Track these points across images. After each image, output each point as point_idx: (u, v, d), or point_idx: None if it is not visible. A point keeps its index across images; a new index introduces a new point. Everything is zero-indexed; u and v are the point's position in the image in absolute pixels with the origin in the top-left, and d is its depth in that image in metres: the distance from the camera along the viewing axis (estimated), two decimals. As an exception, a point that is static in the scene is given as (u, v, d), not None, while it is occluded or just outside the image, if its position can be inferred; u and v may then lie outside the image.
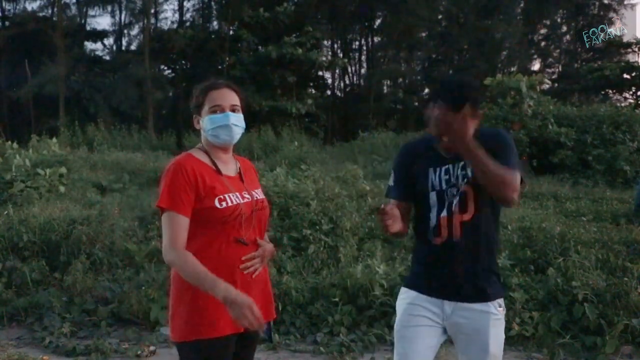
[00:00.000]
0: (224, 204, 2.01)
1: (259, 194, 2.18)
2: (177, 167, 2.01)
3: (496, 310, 2.18)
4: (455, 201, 2.16)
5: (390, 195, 2.32)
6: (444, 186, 2.19)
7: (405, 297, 2.28)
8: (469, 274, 2.17)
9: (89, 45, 30.13)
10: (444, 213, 2.18)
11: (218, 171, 2.09)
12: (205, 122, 2.10)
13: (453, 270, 2.18)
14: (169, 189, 1.98)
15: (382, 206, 2.05)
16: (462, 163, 2.16)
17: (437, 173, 2.20)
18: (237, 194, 2.07)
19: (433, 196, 2.20)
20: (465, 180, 2.16)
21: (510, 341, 4.13)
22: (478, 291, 2.17)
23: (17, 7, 28.90)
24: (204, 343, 1.97)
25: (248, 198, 2.10)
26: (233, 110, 2.11)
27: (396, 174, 2.31)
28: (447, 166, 2.19)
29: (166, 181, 2.00)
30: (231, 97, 2.12)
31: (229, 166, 2.16)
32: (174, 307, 2.04)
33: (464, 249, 2.16)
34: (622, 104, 20.84)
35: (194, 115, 2.16)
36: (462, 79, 2.32)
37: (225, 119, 2.08)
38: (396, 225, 2.06)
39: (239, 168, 2.20)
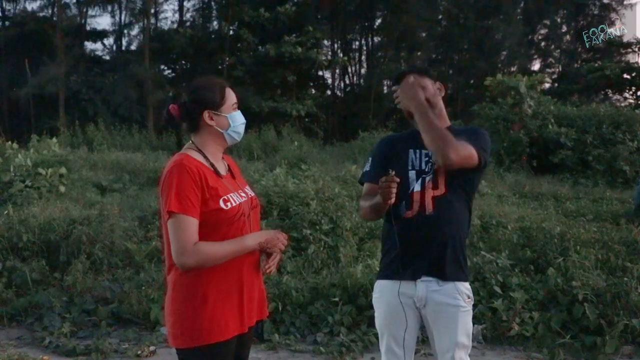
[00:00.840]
0: (229, 204, 1.98)
1: (250, 191, 2.18)
2: (181, 167, 1.94)
3: (465, 299, 2.28)
4: (428, 178, 2.28)
5: (364, 179, 2.45)
6: (423, 166, 2.31)
7: (380, 294, 2.39)
8: (439, 248, 2.26)
9: (89, 45, 30.17)
10: (417, 188, 2.29)
11: (217, 172, 2.05)
12: (231, 119, 2.08)
13: (422, 244, 2.26)
14: (177, 191, 1.91)
15: (392, 172, 2.15)
16: None
17: (417, 154, 2.33)
18: (236, 193, 2.06)
19: (412, 174, 2.31)
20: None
21: (510, 341, 4.14)
22: (444, 269, 2.26)
23: (17, 7, 28.92)
24: (210, 348, 1.94)
25: (244, 196, 2.09)
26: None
27: (374, 160, 2.43)
28: (427, 150, 2.29)
29: (172, 183, 1.92)
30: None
31: (222, 166, 2.13)
32: (177, 313, 1.98)
33: (434, 223, 2.25)
34: (622, 104, 20.87)
35: (203, 112, 2.05)
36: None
37: (243, 117, 2.14)
38: (392, 200, 2.18)
39: (227, 166, 2.18)
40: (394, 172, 2.15)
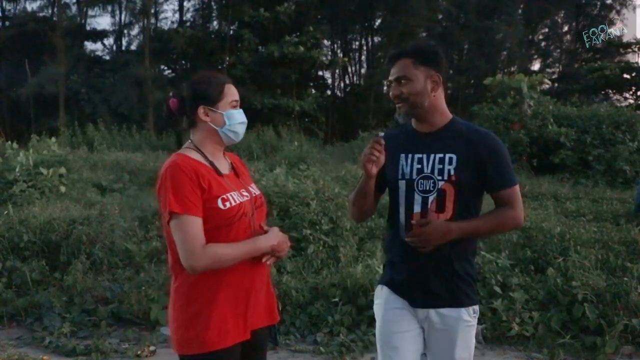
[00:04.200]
0: (227, 204, 1.90)
1: (255, 190, 2.10)
2: (175, 167, 1.87)
3: (469, 316, 2.06)
4: (431, 198, 1.99)
5: None
6: (414, 175, 2.02)
7: (381, 301, 2.17)
8: (442, 277, 2.02)
9: (89, 45, 30.18)
10: (418, 209, 2.01)
11: (217, 170, 1.97)
12: (227, 116, 1.98)
13: (427, 273, 2.03)
14: (174, 192, 1.83)
15: (380, 134, 1.98)
16: (439, 155, 2.00)
17: (409, 160, 2.04)
18: (237, 192, 1.98)
19: (402, 185, 2.03)
20: (445, 177, 1.99)
21: (510, 341, 4.14)
22: (451, 296, 2.04)
23: (17, 7, 28.91)
24: (210, 356, 1.91)
25: (247, 195, 2.01)
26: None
27: None
28: (420, 155, 2.02)
29: (168, 185, 1.85)
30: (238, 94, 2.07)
31: (223, 164, 2.05)
32: (179, 320, 1.94)
33: (439, 250, 1.98)
34: (622, 104, 20.86)
35: (199, 107, 1.98)
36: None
37: (243, 116, 2.04)
38: (374, 168, 1.97)
39: (231, 164, 2.10)
40: (382, 134, 1.97)
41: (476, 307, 2.10)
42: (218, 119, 1.98)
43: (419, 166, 2.01)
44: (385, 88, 29.59)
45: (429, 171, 2.00)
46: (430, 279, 2.04)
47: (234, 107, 2.02)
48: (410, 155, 2.04)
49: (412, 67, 1.99)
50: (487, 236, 2.06)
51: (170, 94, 2.19)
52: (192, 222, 1.84)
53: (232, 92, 2.02)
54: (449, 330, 2.05)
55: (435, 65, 2.02)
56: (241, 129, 2.04)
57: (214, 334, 1.89)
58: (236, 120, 2.01)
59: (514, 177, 2.05)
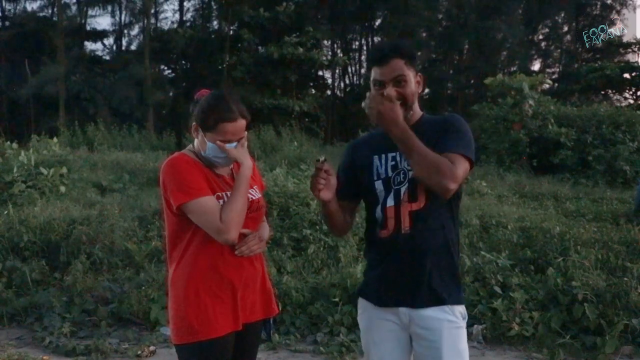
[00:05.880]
0: (221, 202, 1.96)
1: (256, 194, 2.11)
2: (174, 160, 1.97)
3: (454, 317, 1.93)
4: (403, 189, 1.93)
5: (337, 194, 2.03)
6: (389, 173, 1.97)
7: (362, 311, 2.09)
8: (421, 273, 1.91)
9: (89, 45, 30.21)
10: (391, 202, 1.95)
11: (213, 171, 2.04)
12: (209, 147, 1.98)
13: (402, 269, 1.93)
14: (179, 184, 1.91)
15: (321, 159, 1.93)
16: None
17: (383, 160, 1.99)
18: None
19: (379, 185, 1.97)
20: None
21: (510, 341, 4.14)
22: (431, 294, 1.92)
23: (17, 7, 28.99)
24: (203, 345, 1.96)
25: None
26: (237, 141, 2.01)
27: (340, 175, 2.07)
28: (393, 153, 1.97)
29: (171, 180, 1.93)
30: (241, 130, 2.00)
31: (222, 168, 2.09)
32: (173, 310, 2.02)
33: (413, 243, 1.91)
34: (622, 104, 20.88)
35: (194, 123, 2.03)
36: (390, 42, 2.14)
37: (225, 153, 1.99)
38: (327, 193, 1.91)
39: (231, 169, 2.13)
40: (323, 158, 1.94)
41: (462, 308, 1.97)
42: (202, 143, 2.01)
43: (393, 163, 1.98)
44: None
45: (402, 165, 1.95)
46: (408, 275, 1.94)
47: (221, 144, 1.97)
48: (383, 155, 2.00)
49: (405, 68, 1.93)
50: (420, 165, 1.80)
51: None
52: (204, 203, 1.91)
53: (224, 132, 1.96)
54: (433, 334, 1.91)
55: (416, 65, 1.99)
56: (221, 162, 2.03)
57: (203, 323, 1.95)
58: (216, 155, 1.99)
59: (467, 150, 1.88)
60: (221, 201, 1.97)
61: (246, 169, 1.99)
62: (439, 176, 1.78)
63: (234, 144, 1.99)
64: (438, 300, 1.92)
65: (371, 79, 1.99)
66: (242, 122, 1.99)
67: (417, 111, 2.03)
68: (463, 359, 1.93)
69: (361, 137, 2.25)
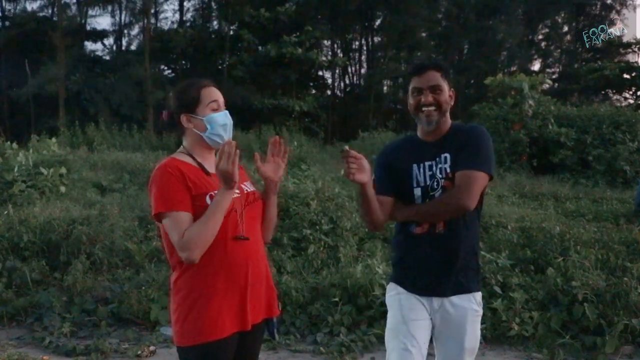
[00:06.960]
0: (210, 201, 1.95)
1: (248, 187, 2.12)
2: (163, 170, 1.96)
3: (477, 305, 2.25)
4: (437, 194, 2.21)
5: (375, 190, 2.28)
6: (428, 181, 2.23)
7: (396, 292, 2.31)
8: (450, 267, 2.20)
9: (89, 45, 30.20)
10: None
11: (205, 171, 2.04)
12: (207, 121, 2.01)
13: (433, 263, 2.21)
14: (161, 193, 1.93)
15: (345, 148, 2.10)
16: (444, 156, 2.22)
17: (421, 169, 2.25)
18: None
19: (418, 192, 2.24)
20: (444, 175, 2.21)
21: (510, 341, 4.14)
22: (459, 285, 2.22)
23: (17, 7, 28.98)
24: (206, 347, 1.95)
25: (238, 193, 2.04)
26: (225, 107, 2.08)
27: (377, 173, 2.32)
28: (430, 162, 2.24)
29: (152, 188, 1.95)
30: (221, 95, 2.07)
31: (212, 164, 2.05)
32: (177, 312, 2.00)
33: (446, 242, 2.19)
34: (622, 104, 20.89)
35: (181, 115, 2.05)
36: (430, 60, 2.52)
37: (226, 118, 2.06)
38: (362, 175, 2.08)
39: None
40: (347, 147, 2.14)
41: (480, 295, 2.28)
42: (199, 125, 2.03)
43: (430, 172, 2.24)
44: (385, 88, 29.68)
45: (438, 174, 2.22)
46: (440, 270, 2.21)
47: (214, 109, 2.03)
48: (422, 164, 2.25)
49: (441, 79, 2.22)
50: (433, 218, 2.17)
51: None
52: (178, 217, 1.91)
53: (209, 94, 2.03)
54: (460, 319, 2.21)
55: (450, 81, 2.28)
56: (225, 132, 2.04)
57: (209, 325, 1.94)
58: (217, 123, 2.02)
59: (483, 165, 2.16)
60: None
61: (224, 197, 1.89)
62: (450, 210, 2.13)
63: (224, 112, 2.04)
64: (464, 290, 2.23)
65: (410, 88, 2.27)
66: (216, 89, 2.06)
67: (448, 121, 2.30)
68: (477, 342, 2.27)
69: (397, 141, 2.51)
